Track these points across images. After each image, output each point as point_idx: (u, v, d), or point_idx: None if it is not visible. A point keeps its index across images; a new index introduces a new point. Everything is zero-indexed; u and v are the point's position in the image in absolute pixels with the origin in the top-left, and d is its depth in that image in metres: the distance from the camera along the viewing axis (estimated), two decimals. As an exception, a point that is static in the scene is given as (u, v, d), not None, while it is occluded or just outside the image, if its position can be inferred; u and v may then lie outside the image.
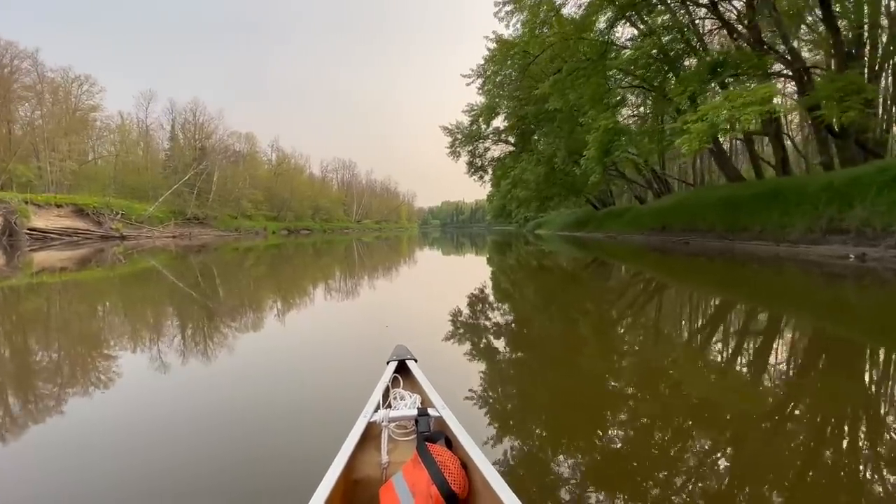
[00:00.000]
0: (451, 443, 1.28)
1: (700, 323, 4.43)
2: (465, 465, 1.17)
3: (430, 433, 1.34)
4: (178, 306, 5.37)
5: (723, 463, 1.68)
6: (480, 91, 26.11)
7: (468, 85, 25.21)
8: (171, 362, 2.97)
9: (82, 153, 40.32)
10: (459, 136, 29.59)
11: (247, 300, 5.89)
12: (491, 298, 5.83)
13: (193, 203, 43.61)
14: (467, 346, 3.31)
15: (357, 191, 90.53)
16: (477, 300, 5.47)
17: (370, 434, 1.38)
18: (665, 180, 22.33)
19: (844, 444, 1.84)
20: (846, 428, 2.01)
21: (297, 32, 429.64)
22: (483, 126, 28.34)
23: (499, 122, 29.00)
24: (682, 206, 16.60)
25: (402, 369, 1.82)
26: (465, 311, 4.63)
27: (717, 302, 5.62)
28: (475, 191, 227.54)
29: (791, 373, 2.81)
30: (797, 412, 2.19)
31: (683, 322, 4.39)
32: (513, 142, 29.13)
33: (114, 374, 2.76)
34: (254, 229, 49.50)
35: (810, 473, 1.61)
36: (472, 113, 28.32)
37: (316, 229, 63.34)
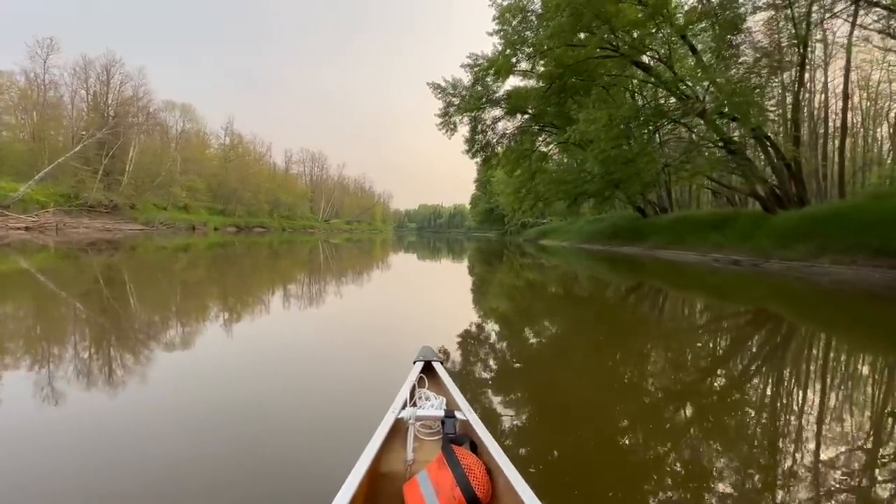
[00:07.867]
0: (475, 447, 1.27)
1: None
2: (490, 470, 1.14)
3: (455, 435, 1.31)
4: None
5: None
6: (496, 28, 16.97)
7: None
8: (188, 363, 2.94)
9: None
10: (456, 101, 20.22)
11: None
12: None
13: (97, 186, 33.04)
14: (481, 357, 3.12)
15: (327, 187, 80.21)
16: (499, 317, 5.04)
17: (396, 430, 1.36)
18: (800, 177, 13.46)
19: None
20: None
21: (272, 24, 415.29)
22: (493, 85, 19.13)
23: (511, 84, 20.09)
24: None
25: (426, 370, 1.79)
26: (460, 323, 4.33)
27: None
28: (454, 195, 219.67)
29: None
30: None
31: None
32: (533, 112, 19.85)
33: (135, 369, 2.77)
34: (184, 224, 39.03)
35: None
36: (477, 67, 18.95)
37: (274, 227, 53.94)
